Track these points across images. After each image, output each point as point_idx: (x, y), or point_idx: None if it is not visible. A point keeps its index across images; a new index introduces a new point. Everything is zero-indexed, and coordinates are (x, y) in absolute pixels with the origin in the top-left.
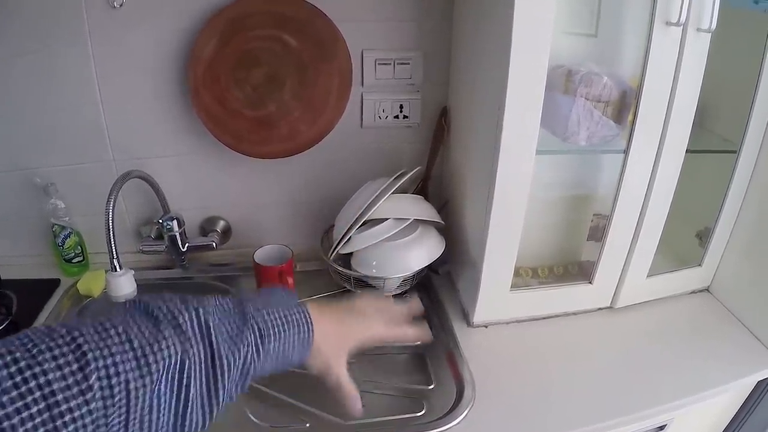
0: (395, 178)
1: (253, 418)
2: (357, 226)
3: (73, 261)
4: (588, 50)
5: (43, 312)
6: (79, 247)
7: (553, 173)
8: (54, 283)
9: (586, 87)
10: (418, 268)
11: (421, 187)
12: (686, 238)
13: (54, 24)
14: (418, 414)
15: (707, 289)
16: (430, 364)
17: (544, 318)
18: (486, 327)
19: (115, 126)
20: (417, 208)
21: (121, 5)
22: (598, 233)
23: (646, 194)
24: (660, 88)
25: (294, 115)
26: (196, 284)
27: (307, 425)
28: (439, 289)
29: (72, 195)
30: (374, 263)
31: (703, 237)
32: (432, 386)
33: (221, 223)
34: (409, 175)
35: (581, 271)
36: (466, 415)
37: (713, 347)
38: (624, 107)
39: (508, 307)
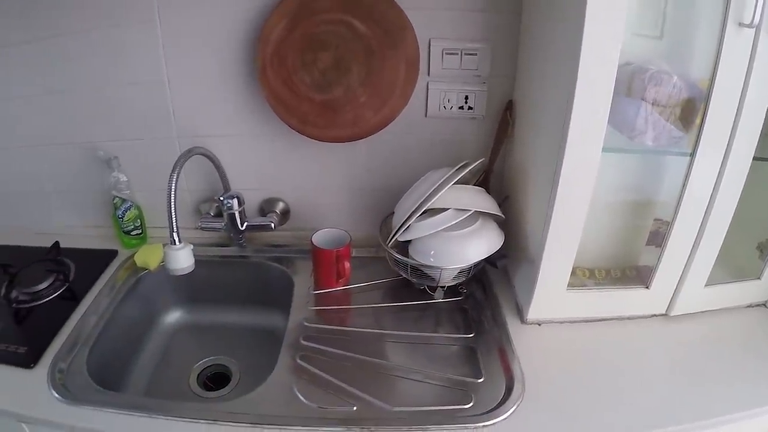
0: (458, 169)
1: (301, 397)
2: (417, 215)
3: (132, 233)
4: (657, 50)
5: (99, 281)
6: (138, 221)
7: (617, 175)
8: (112, 254)
9: (655, 86)
10: (476, 260)
11: (483, 180)
12: (746, 249)
13: (119, 1)
14: (466, 406)
15: (765, 304)
16: (481, 358)
17: (598, 320)
18: (539, 325)
19: (180, 104)
20: (478, 200)
21: None
22: (658, 238)
23: (710, 200)
24: (730, 91)
25: (360, 100)
26: (253, 263)
27: (354, 408)
28: (494, 284)
29: (134, 169)
30: (432, 252)
31: (764, 249)
32: (481, 380)
33: (280, 205)
34: (472, 166)
35: (639, 276)
36: (513, 411)
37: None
38: (693, 109)
39: (563, 307)
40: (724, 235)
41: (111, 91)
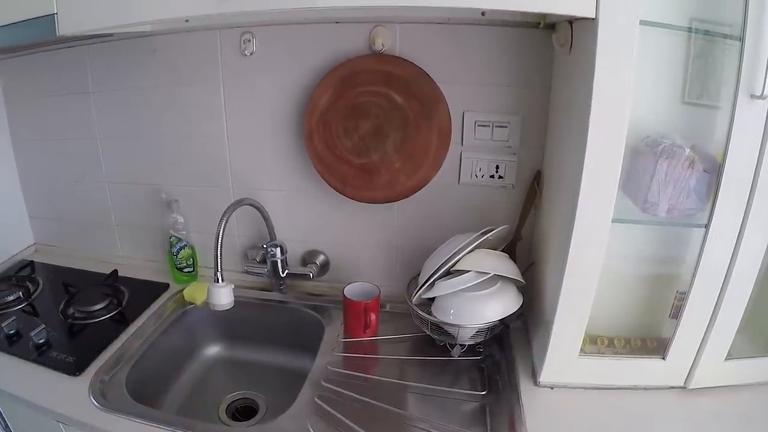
0: (481, 234)
1: None
2: (438, 274)
3: (184, 270)
4: (673, 123)
5: (149, 309)
6: (191, 259)
7: (637, 246)
8: (163, 287)
9: (667, 158)
10: (491, 320)
11: (510, 246)
12: None
13: (192, 64)
14: None
15: None
16: (490, 416)
17: (612, 389)
18: (552, 389)
19: (237, 158)
20: (499, 264)
21: (251, 54)
22: (678, 312)
23: (727, 272)
24: (744, 162)
25: (395, 166)
26: (290, 308)
27: None
28: (514, 345)
29: (191, 212)
30: (452, 311)
31: None
32: None
33: (321, 257)
34: (494, 231)
35: (659, 347)
36: None
37: None
38: (708, 181)
39: (576, 372)
40: (743, 309)
41: (179, 140)
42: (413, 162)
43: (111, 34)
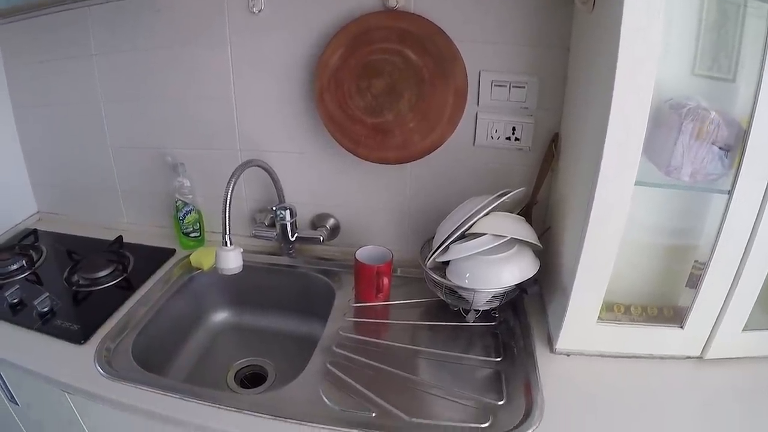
0: (497, 196)
1: (325, 399)
2: (453, 237)
3: (191, 235)
4: (699, 87)
5: (155, 275)
6: (197, 224)
7: (659, 213)
8: (170, 253)
9: (692, 121)
10: (508, 285)
11: (526, 210)
12: None
13: (198, 23)
14: (482, 425)
15: None
16: (505, 382)
17: (629, 357)
18: (568, 355)
19: (245, 119)
20: (516, 227)
21: (259, 11)
22: (697, 281)
23: (749, 240)
24: None
25: (409, 125)
26: (300, 273)
27: (373, 414)
28: (529, 312)
29: (198, 176)
30: (467, 275)
31: None
32: (501, 402)
33: (331, 221)
34: (510, 194)
35: (676, 316)
36: None
37: None
38: (733, 146)
39: (593, 339)
40: (763, 279)
41: (185, 103)
42: (428, 122)
43: None
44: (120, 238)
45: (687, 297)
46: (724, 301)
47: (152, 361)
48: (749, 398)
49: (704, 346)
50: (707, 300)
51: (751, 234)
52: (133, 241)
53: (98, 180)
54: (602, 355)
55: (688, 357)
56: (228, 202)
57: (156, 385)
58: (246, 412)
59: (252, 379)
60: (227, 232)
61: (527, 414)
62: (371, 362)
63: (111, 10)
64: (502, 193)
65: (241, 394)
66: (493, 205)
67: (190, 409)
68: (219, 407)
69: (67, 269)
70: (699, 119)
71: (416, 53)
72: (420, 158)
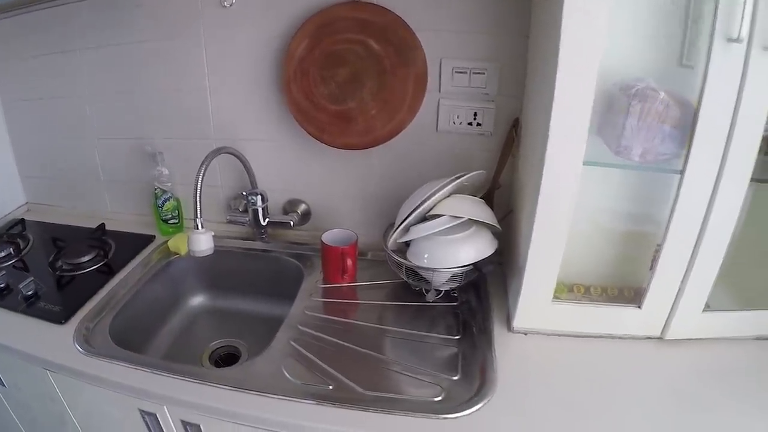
0: (453, 178)
1: (286, 373)
2: (411, 217)
3: (170, 222)
4: (650, 68)
5: (134, 260)
6: (176, 211)
7: (617, 197)
8: (149, 239)
9: (640, 101)
10: (464, 263)
11: (488, 194)
12: (758, 278)
13: (174, 18)
14: (434, 399)
15: None
16: (461, 359)
17: (587, 336)
18: (525, 334)
19: (219, 109)
20: (474, 209)
21: (231, 5)
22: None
23: (703, 220)
24: (721, 108)
25: (371, 112)
26: (272, 257)
27: (330, 387)
28: (491, 293)
29: (176, 165)
30: (426, 255)
31: None
32: (456, 378)
33: (302, 206)
34: (467, 176)
35: (636, 297)
36: (477, 409)
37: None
38: (685, 126)
39: (549, 318)
40: (720, 260)
41: (162, 94)
42: (389, 109)
43: None
44: (102, 225)
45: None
46: (681, 281)
47: (130, 340)
48: (708, 379)
49: (664, 327)
50: (664, 280)
51: (705, 214)
52: (115, 229)
53: (84, 170)
54: (560, 335)
55: (648, 337)
56: (199, 188)
57: (128, 360)
58: (211, 384)
59: (226, 359)
60: (199, 216)
61: (479, 389)
62: (334, 339)
63: (96, 7)
64: (459, 176)
65: (211, 370)
66: (449, 187)
67: (160, 382)
68: (186, 379)
69: (52, 255)
70: (647, 99)
71: (378, 43)
72: (382, 143)
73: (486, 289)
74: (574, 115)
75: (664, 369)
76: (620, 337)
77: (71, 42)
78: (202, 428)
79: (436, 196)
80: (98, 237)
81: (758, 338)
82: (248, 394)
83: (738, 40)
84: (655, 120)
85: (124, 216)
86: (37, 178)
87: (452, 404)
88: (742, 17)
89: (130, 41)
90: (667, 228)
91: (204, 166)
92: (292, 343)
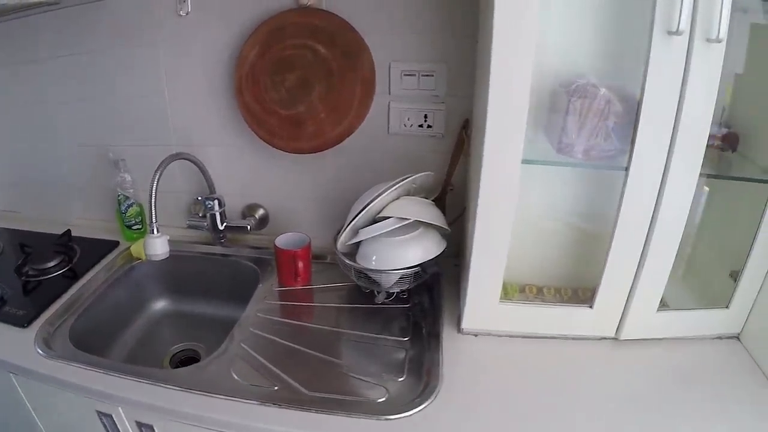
0: (401, 179)
1: (234, 374)
2: (358, 219)
3: (133, 228)
4: (595, 62)
5: (98, 265)
6: (139, 217)
7: (575, 197)
8: (113, 245)
9: (580, 98)
10: (413, 264)
11: (441, 196)
12: (720, 276)
13: (133, 27)
14: (377, 400)
15: (737, 337)
16: (408, 360)
17: (540, 337)
18: (475, 336)
19: (177, 115)
20: (421, 210)
21: (186, 14)
22: None
23: (652, 218)
24: (664, 102)
25: (320, 116)
26: (231, 261)
27: (275, 388)
28: (444, 294)
29: (138, 171)
30: (374, 257)
31: (737, 278)
32: (401, 379)
33: (260, 211)
34: (413, 177)
35: (591, 297)
36: (420, 410)
37: (728, 401)
38: (629, 122)
39: (498, 319)
40: (672, 258)
41: (126, 102)
42: (337, 112)
43: (57, 1)
44: (68, 231)
45: None
46: (633, 280)
47: (91, 343)
48: (664, 380)
49: (618, 327)
50: (614, 279)
51: (654, 211)
52: (81, 235)
53: (52, 177)
54: (511, 336)
55: (603, 338)
56: (153, 194)
57: (85, 361)
58: (162, 385)
59: (186, 362)
60: (153, 220)
61: (424, 390)
62: (283, 341)
63: (58, 16)
64: (405, 177)
65: (167, 370)
66: (396, 189)
67: (114, 384)
68: (138, 381)
69: (20, 261)
70: (588, 96)
71: (325, 47)
72: (332, 147)
73: (440, 291)
74: (510, 112)
75: (618, 370)
76: (574, 338)
77: (39, 51)
78: (155, 429)
79: (382, 197)
80: (64, 243)
81: (719, 337)
82: (196, 395)
83: (678, 32)
84: (596, 117)
85: (91, 222)
86: (8, 185)
87: (395, 405)
88: (681, 9)
89: (93, 50)
90: (614, 226)
91: (158, 172)
92: (243, 345)
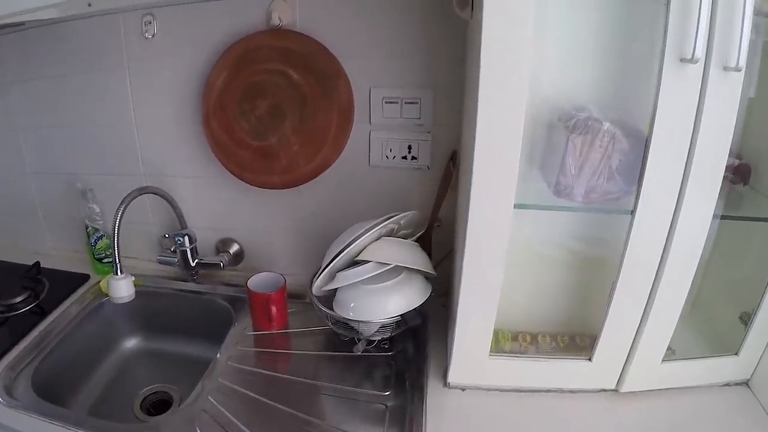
0: (383, 219)
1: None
2: (334, 264)
3: (104, 261)
4: (596, 93)
5: (66, 301)
6: (110, 249)
7: (564, 234)
8: (84, 278)
9: (581, 134)
10: (394, 314)
11: (427, 232)
12: (728, 318)
13: (97, 51)
14: None
15: (746, 383)
16: (389, 417)
17: (533, 391)
18: (463, 390)
19: (146, 145)
20: (403, 254)
21: (152, 36)
22: None
23: (659, 267)
24: (676, 138)
25: (293, 148)
26: (204, 299)
27: None
28: (432, 341)
29: (107, 202)
30: (352, 305)
31: (747, 321)
32: None
33: (235, 246)
34: (396, 217)
35: (591, 345)
36: None
37: None
38: (636, 160)
39: (488, 373)
40: (680, 308)
41: (93, 129)
42: (312, 144)
43: (23, 23)
44: (37, 263)
45: None
46: (637, 331)
47: (57, 387)
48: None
49: (619, 379)
50: (617, 329)
51: (662, 257)
52: (52, 266)
53: (21, 206)
54: (502, 390)
55: (603, 390)
56: (116, 231)
57: (46, 413)
58: None
59: (158, 405)
60: (117, 260)
61: None
62: (253, 395)
63: (20, 39)
64: (386, 218)
65: (144, 422)
66: (376, 230)
67: None
68: None
69: None
70: (590, 131)
71: (298, 72)
72: (306, 182)
73: (425, 337)
74: (500, 152)
75: (619, 426)
76: (570, 391)
77: (5, 75)
78: None
79: (361, 240)
80: (33, 276)
81: (727, 385)
82: None
83: (692, 60)
84: (599, 155)
85: (63, 253)
86: None
87: None
88: (696, 35)
89: (57, 74)
90: (618, 273)
91: (122, 207)
92: (210, 398)
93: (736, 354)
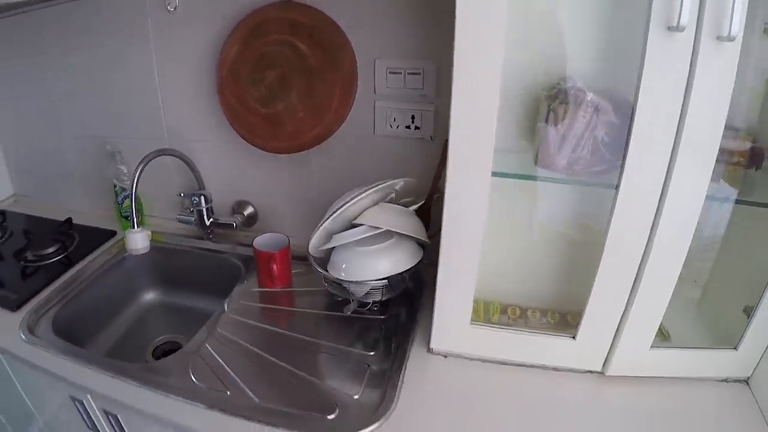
0: (376, 185)
1: (192, 375)
2: (324, 222)
3: (129, 218)
4: (581, 63)
5: (92, 254)
6: None
7: (554, 207)
8: (111, 234)
9: (562, 103)
10: (384, 276)
11: (427, 202)
12: (733, 310)
13: (126, 23)
14: (327, 416)
15: (746, 381)
16: (368, 377)
17: (515, 365)
18: (445, 357)
19: (169, 111)
20: (395, 219)
21: (174, 8)
22: None
23: (647, 245)
24: (663, 111)
25: (299, 115)
26: (218, 257)
27: (228, 393)
28: (424, 308)
29: (134, 163)
30: (344, 266)
31: (751, 314)
32: (356, 396)
33: (249, 209)
34: (389, 183)
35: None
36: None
37: None
38: (622, 133)
39: (469, 342)
40: (671, 290)
41: (123, 96)
42: (316, 112)
43: None
44: (69, 219)
45: None
46: (623, 313)
47: (76, 331)
48: (648, 424)
49: (605, 361)
50: (602, 309)
51: (649, 237)
52: (82, 223)
53: (59, 166)
54: (483, 360)
55: (589, 371)
56: (134, 188)
57: (60, 350)
58: (120, 378)
59: (168, 354)
60: (134, 216)
61: (376, 411)
62: (247, 345)
63: (61, 12)
64: (381, 182)
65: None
66: (369, 193)
67: (82, 373)
68: (103, 373)
69: (20, 246)
70: (572, 102)
71: (305, 44)
72: (310, 148)
73: (419, 305)
74: (476, 117)
75: (602, 410)
76: (555, 369)
77: (42, 46)
78: (120, 418)
79: (356, 202)
80: (65, 231)
81: (725, 380)
82: (152, 392)
83: (678, 28)
84: (582, 125)
85: (94, 211)
86: (23, 172)
87: (342, 425)
88: (682, 2)
89: (91, 45)
90: (602, 253)
91: (140, 167)
92: (207, 345)
93: (734, 348)
